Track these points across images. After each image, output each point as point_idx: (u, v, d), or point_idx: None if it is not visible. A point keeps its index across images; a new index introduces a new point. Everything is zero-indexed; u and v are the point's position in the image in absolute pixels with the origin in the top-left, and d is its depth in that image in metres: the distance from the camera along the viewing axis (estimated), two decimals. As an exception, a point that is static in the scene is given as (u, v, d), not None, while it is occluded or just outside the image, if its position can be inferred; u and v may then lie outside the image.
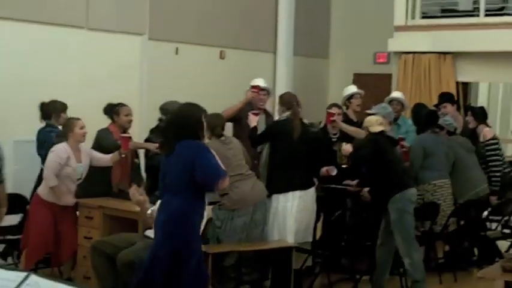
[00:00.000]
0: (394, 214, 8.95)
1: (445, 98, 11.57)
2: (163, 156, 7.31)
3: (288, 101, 9.60)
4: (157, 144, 9.92)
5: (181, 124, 7.10)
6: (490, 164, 10.83)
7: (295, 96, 9.79)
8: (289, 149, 9.28)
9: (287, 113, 9.46)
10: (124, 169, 9.90)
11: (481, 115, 11.32)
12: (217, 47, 14.88)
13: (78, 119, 9.11)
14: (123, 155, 9.53)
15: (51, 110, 10.05)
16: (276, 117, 10.46)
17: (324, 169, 9.94)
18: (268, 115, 10.31)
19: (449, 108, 11.13)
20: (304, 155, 9.41)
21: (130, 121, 9.87)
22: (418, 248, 9.13)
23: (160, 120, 10.29)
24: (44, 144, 9.72)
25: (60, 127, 9.81)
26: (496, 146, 10.99)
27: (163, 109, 10.00)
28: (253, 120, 9.79)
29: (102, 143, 9.70)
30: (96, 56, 12.44)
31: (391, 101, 11.19)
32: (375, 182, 9.28)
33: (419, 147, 10.23)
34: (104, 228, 8.93)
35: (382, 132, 9.27)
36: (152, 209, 7.75)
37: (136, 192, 7.57)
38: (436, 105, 11.50)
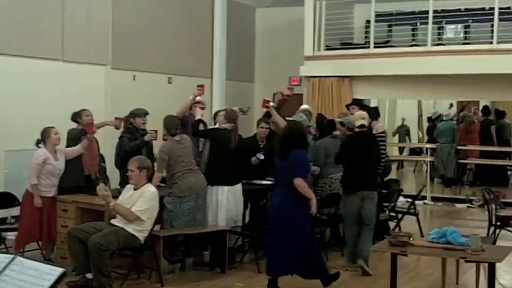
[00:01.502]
0: (341, 202, 9.20)
1: (355, 101, 11.65)
2: (276, 158, 7.90)
3: (231, 116, 9.57)
4: (116, 120, 10.07)
5: (294, 138, 7.79)
6: (380, 151, 10.89)
7: (236, 113, 9.80)
8: (226, 154, 9.27)
9: (228, 125, 9.44)
10: (92, 155, 9.85)
11: (374, 113, 11.37)
12: (166, 74, 14.92)
13: (52, 127, 9.03)
14: (91, 140, 9.46)
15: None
16: (211, 125, 10.39)
17: (253, 158, 10.02)
18: (204, 124, 10.24)
19: (356, 109, 11.14)
20: (236, 159, 9.45)
21: (91, 120, 9.82)
22: (348, 231, 9.19)
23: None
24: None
25: None
26: (384, 138, 10.96)
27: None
28: (198, 113, 9.68)
29: (70, 136, 9.62)
30: (70, 82, 12.40)
31: (304, 111, 11.23)
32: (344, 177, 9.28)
33: (322, 149, 10.31)
34: (77, 219, 8.80)
35: (362, 131, 9.31)
36: (114, 203, 7.76)
37: (102, 189, 7.64)
38: (347, 105, 11.59)
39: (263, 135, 10.48)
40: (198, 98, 9.94)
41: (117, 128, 10.05)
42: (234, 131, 9.46)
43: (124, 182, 9.30)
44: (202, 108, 9.88)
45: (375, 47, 14.97)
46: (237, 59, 17.04)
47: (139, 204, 7.79)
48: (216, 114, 10.50)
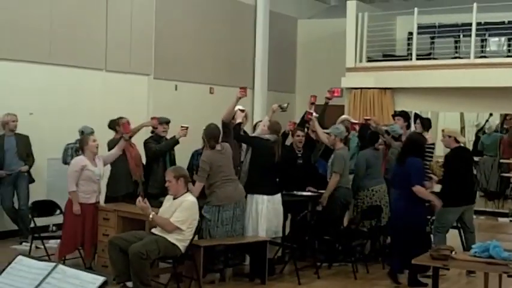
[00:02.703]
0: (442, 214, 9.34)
1: (401, 112, 11.58)
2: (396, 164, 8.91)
3: (275, 128, 9.47)
4: (153, 120, 10.05)
5: (412, 147, 8.71)
6: (425, 161, 10.75)
7: (281, 125, 9.70)
8: (266, 163, 9.22)
9: (271, 136, 9.40)
10: (134, 159, 9.87)
11: (426, 124, 11.28)
12: (208, 84, 14.97)
13: (91, 134, 9.10)
14: (127, 139, 9.44)
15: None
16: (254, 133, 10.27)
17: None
18: (245, 132, 10.17)
19: (400, 121, 11.05)
20: (277, 171, 9.42)
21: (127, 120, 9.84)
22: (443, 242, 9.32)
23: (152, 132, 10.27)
24: None
25: None
26: (432, 150, 10.92)
27: None
28: (239, 116, 9.50)
29: (111, 146, 9.63)
30: (113, 92, 12.58)
31: (343, 121, 11.16)
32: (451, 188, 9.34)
33: (363, 160, 10.21)
34: (118, 227, 8.83)
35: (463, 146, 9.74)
36: (153, 215, 7.76)
37: (141, 201, 7.67)
38: (393, 115, 11.51)
39: (299, 144, 10.42)
40: (238, 107, 9.82)
41: (154, 127, 10.04)
42: (278, 144, 9.39)
43: (155, 187, 9.33)
44: (242, 111, 9.70)
45: (417, 59, 14.87)
46: (279, 69, 17.04)
47: (177, 214, 7.80)
48: (256, 124, 10.45)
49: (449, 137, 9.41)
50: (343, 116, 11.83)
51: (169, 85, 14.00)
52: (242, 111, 9.63)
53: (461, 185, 9.23)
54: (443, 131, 10.28)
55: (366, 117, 11.77)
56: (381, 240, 10.46)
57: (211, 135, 8.89)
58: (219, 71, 15.24)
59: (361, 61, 15.46)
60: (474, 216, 15.12)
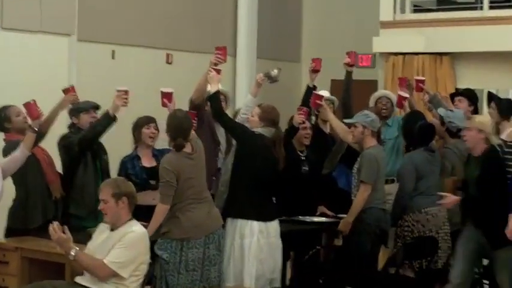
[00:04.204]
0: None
1: (465, 91, 11.53)
2: None
3: (270, 116, 9.34)
4: (68, 96, 9.94)
5: None
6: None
7: (278, 112, 9.56)
8: (257, 171, 9.24)
9: (264, 129, 9.31)
10: (52, 170, 9.84)
11: (506, 110, 11.07)
12: (163, 49, 15.00)
13: None
14: (36, 129, 9.22)
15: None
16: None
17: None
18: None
19: (464, 104, 10.99)
20: (276, 186, 9.36)
21: (26, 121, 9.63)
22: None
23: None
24: None
25: None
26: None
27: None
28: (215, 79, 9.43)
29: (7, 153, 9.44)
30: (13, 61, 12.61)
31: (377, 100, 11.09)
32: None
33: (411, 167, 10.11)
34: (23, 275, 8.81)
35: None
36: (76, 252, 7.65)
37: (57, 229, 7.55)
38: (452, 95, 11.51)
39: (305, 140, 10.35)
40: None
41: (73, 103, 9.91)
42: (278, 141, 9.31)
43: (79, 204, 9.30)
44: (218, 72, 9.56)
45: (490, 8, 14.84)
46: (275, 28, 17.08)
47: (115, 253, 7.72)
48: (237, 112, 10.37)
49: (480, 131, 9.36)
50: (380, 92, 11.75)
51: (102, 50, 14.10)
52: (218, 72, 9.48)
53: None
54: (469, 119, 10.16)
55: (417, 78, 11.74)
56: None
57: (178, 129, 8.84)
58: (180, 30, 15.35)
59: (403, 11, 15.47)
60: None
